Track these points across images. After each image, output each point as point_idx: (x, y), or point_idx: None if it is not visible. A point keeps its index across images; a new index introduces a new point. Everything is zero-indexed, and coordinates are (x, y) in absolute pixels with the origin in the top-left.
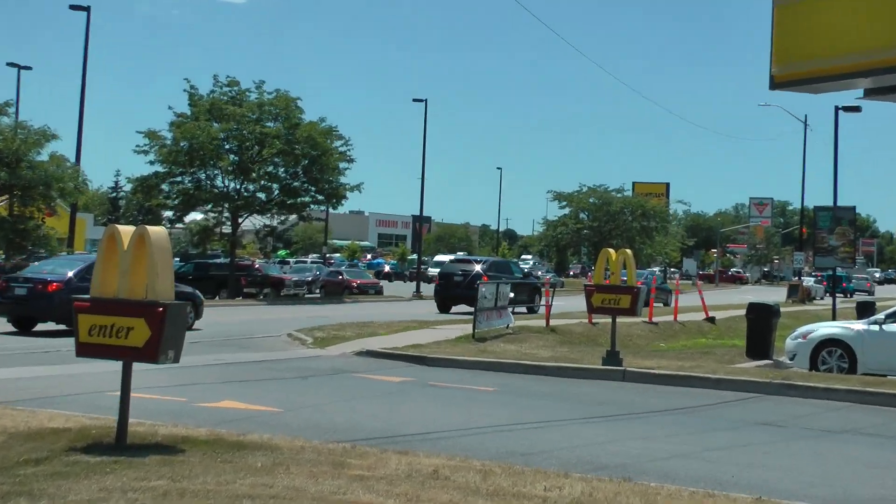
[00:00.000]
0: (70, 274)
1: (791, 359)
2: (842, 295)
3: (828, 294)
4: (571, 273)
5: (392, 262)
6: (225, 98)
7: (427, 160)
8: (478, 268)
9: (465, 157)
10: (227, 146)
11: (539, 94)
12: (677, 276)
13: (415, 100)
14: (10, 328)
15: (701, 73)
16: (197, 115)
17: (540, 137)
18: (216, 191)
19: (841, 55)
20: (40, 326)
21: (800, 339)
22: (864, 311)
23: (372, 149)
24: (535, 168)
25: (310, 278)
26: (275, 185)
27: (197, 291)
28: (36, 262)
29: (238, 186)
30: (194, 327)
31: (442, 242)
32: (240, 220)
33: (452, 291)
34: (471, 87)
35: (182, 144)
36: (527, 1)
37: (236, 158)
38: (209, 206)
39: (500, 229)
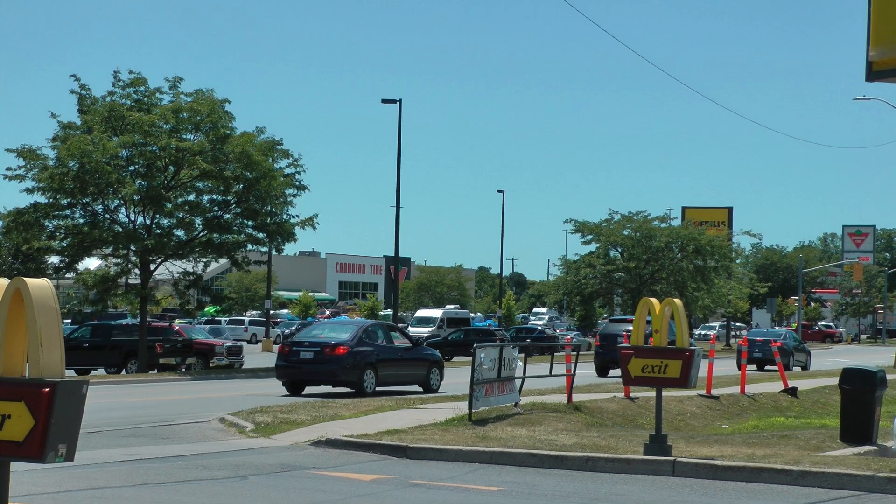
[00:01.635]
0: None
1: None
2: None
3: None
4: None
5: (359, 318)
6: (128, 102)
7: (404, 182)
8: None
9: (455, 179)
10: (131, 167)
11: (552, 95)
12: (745, 333)
13: (385, 101)
14: None
15: (772, 60)
16: (90, 125)
17: (554, 151)
18: (118, 228)
19: None
20: None
21: None
22: None
23: (329, 170)
24: (548, 191)
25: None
26: (198, 219)
27: None
28: None
29: (148, 221)
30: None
31: (426, 292)
32: (152, 267)
33: (613, 355)
34: (460, 86)
35: (70, 165)
36: None
37: (144, 184)
38: (109, 248)
39: (505, 273)
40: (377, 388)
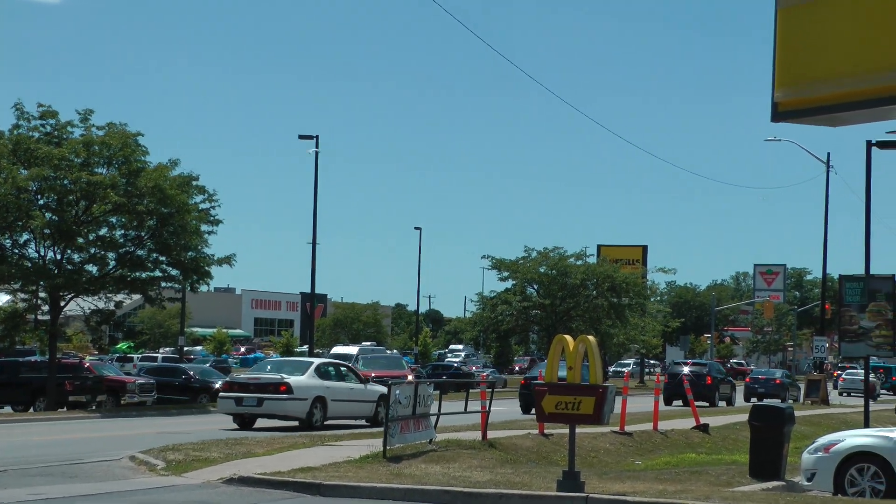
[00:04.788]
0: None
1: (809, 479)
2: (890, 392)
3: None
4: (517, 368)
5: (274, 355)
6: (37, 135)
7: (320, 218)
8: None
9: (373, 216)
10: (41, 201)
11: (468, 133)
12: (658, 370)
13: (301, 136)
14: None
15: (685, 102)
16: None
17: (471, 188)
18: (27, 263)
19: (868, 74)
20: None
21: (821, 453)
22: None
23: (246, 205)
24: (465, 228)
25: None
26: (110, 255)
27: None
28: None
29: (58, 256)
30: None
31: (342, 328)
32: (62, 304)
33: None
34: (377, 123)
35: None
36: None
37: (54, 218)
38: (17, 283)
39: (421, 310)
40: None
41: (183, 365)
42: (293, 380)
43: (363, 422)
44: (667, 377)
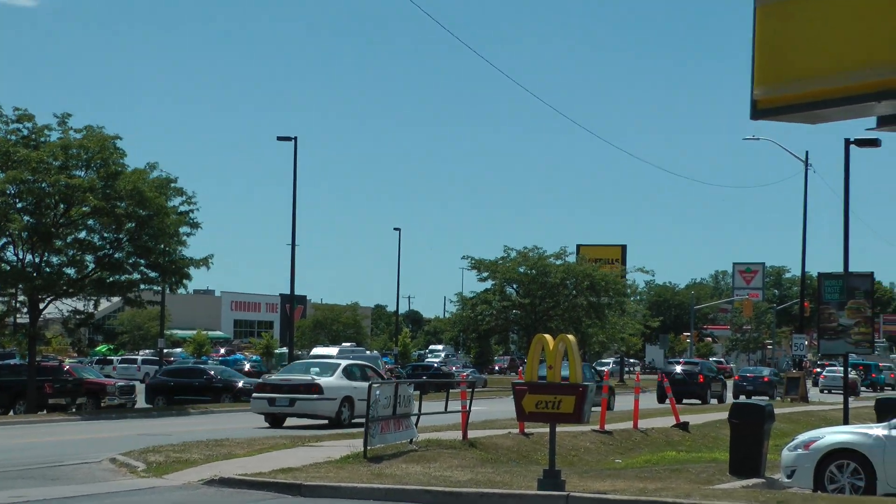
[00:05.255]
0: None
1: (789, 476)
2: (869, 389)
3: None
4: (497, 368)
5: (254, 357)
6: (14, 138)
7: (299, 220)
8: None
9: (352, 217)
10: (19, 204)
11: (448, 133)
12: (638, 369)
13: (280, 138)
14: None
15: (664, 100)
16: None
17: (450, 189)
18: (6, 266)
19: (847, 71)
20: None
21: (801, 450)
22: (887, 410)
23: (225, 207)
24: (444, 229)
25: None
26: (88, 258)
27: None
28: None
29: (37, 259)
30: None
31: (322, 330)
32: (41, 306)
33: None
34: (356, 124)
35: None
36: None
37: (33, 221)
38: None
39: (401, 311)
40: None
41: (203, 365)
42: (323, 381)
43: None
44: (660, 376)
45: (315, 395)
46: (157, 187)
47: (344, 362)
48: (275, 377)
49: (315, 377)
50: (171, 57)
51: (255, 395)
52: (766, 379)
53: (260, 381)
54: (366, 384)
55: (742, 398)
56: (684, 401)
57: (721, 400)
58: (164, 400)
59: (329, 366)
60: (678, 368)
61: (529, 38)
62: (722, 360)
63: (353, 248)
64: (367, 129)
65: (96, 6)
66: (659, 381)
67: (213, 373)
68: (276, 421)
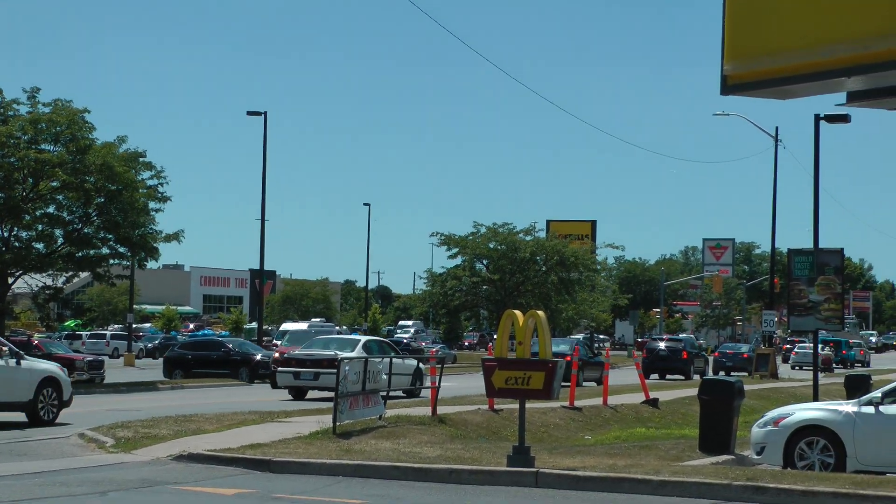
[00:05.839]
0: None
1: (759, 452)
2: (839, 366)
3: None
4: (467, 343)
5: (223, 332)
6: None
7: (269, 195)
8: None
9: (321, 192)
10: None
11: (417, 108)
12: (608, 345)
13: (250, 113)
14: None
15: (633, 75)
16: None
17: (419, 164)
18: None
19: (818, 46)
20: None
21: (770, 427)
22: (856, 387)
23: (194, 182)
24: (414, 204)
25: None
26: (58, 232)
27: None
28: None
29: (6, 234)
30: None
31: (292, 305)
32: (10, 281)
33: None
34: (325, 99)
35: None
36: None
37: (2, 196)
38: None
39: (371, 286)
40: None
41: (221, 338)
42: (345, 356)
43: (400, 393)
44: (645, 352)
45: None
46: (126, 161)
47: (363, 338)
48: (298, 352)
49: (338, 352)
50: (140, 30)
51: (279, 369)
52: (745, 355)
53: (285, 356)
54: (385, 359)
55: (721, 374)
56: (668, 376)
57: (703, 375)
58: (182, 373)
59: (349, 342)
60: (662, 345)
61: (497, 12)
62: (692, 336)
63: (323, 224)
64: (337, 104)
65: None
66: (644, 358)
67: (230, 346)
68: (299, 393)
